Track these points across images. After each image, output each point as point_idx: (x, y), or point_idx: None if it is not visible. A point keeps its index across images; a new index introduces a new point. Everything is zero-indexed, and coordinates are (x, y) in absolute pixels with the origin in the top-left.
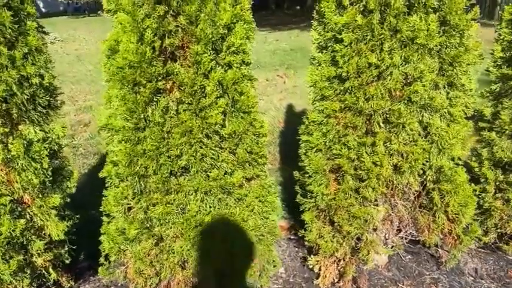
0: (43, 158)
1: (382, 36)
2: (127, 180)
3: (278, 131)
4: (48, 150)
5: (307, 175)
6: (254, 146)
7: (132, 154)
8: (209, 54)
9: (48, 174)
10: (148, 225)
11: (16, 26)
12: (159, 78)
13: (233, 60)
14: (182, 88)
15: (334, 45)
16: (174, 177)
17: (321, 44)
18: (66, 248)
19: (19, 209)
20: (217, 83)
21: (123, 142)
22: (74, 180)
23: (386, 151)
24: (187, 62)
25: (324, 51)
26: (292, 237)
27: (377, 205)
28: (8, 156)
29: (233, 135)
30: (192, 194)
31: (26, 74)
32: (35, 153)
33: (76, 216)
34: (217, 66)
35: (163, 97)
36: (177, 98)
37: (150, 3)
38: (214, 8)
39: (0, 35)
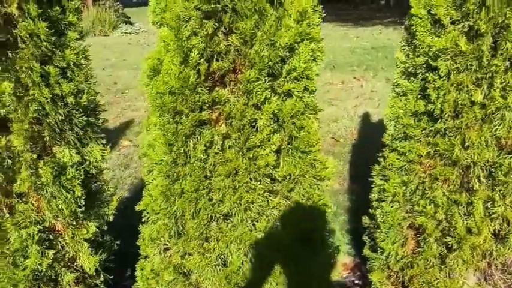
0: (75, 186)
1: (494, 68)
2: (163, 219)
3: (350, 143)
4: (84, 175)
5: (379, 229)
6: (313, 192)
7: (168, 193)
8: (264, 81)
9: (80, 204)
10: (185, 271)
11: (53, 38)
12: (204, 107)
13: (294, 88)
14: (229, 121)
15: (426, 74)
16: (215, 222)
17: (408, 69)
18: (102, 278)
19: (50, 237)
20: (272, 116)
21: (160, 177)
22: (113, 206)
23: (487, 214)
24: (239, 89)
25: (412, 78)
26: (356, 280)
27: (466, 278)
28: (38, 183)
29: (288, 178)
30: (234, 245)
31: (61, 93)
32: (66, 181)
33: (116, 243)
34: (273, 95)
35: (208, 129)
36: (223, 132)
37: (197, 18)
38: (274, 24)
39: (34, 48)
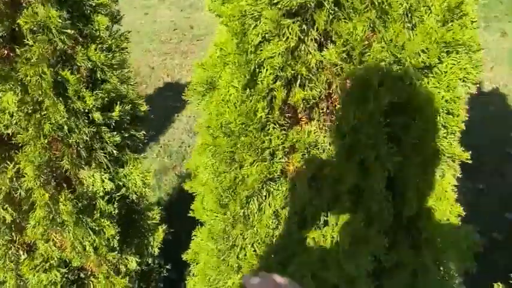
0: (105, 227)
1: None
2: None
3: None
4: (122, 201)
5: None
6: None
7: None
8: (378, 121)
9: (113, 245)
10: None
11: (71, 30)
12: (277, 153)
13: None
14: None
15: None
16: None
17: None
18: None
19: (81, 275)
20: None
21: (209, 241)
22: (159, 237)
23: None
24: (333, 128)
25: None
26: None
27: None
28: (58, 220)
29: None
30: None
31: (83, 108)
32: (93, 222)
33: (165, 267)
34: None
35: (281, 186)
36: None
37: (272, 17)
38: (401, 29)
39: (45, 45)
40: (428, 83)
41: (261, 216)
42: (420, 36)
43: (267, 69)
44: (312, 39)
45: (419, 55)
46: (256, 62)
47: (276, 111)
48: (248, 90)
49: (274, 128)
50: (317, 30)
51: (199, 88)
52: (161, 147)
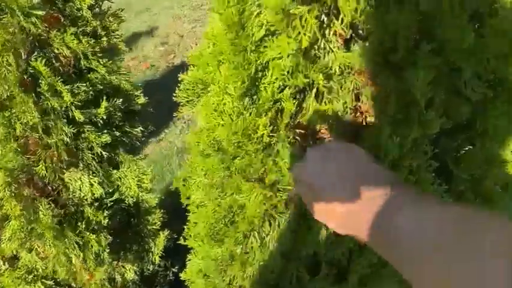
0: (91, 240)
1: None
2: None
3: None
4: (116, 205)
5: None
6: None
7: None
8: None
9: (103, 258)
10: None
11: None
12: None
13: None
14: None
15: None
16: None
17: None
18: None
19: (73, 285)
20: None
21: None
22: (160, 245)
23: None
24: None
25: None
26: None
27: None
28: (38, 231)
29: None
30: None
31: (60, 105)
32: (77, 236)
33: (172, 271)
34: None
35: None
36: None
37: (277, 4)
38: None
39: (15, 30)
40: (497, 98)
41: (263, 253)
42: (493, 39)
43: (272, 74)
44: (333, 32)
45: (488, 62)
46: (258, 63)
47: (282, 130)
48: (247, 99)
49: (279, 150)
50: (342, 23)
51: (189, 87)
52: (185, 122)
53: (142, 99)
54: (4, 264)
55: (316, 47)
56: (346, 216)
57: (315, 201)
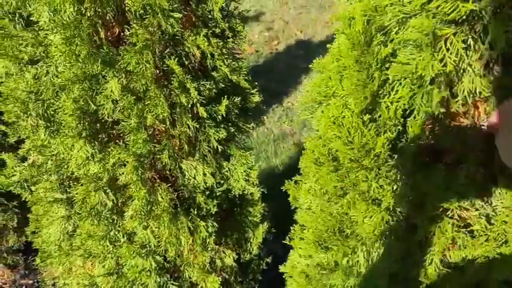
0: (200, 226)
1: None
2: None
3: None
4: (224, 194)
5: None
6: None
7: None
8: None
9: (208, 244)
10: None
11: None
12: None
13: None
14: None
15: None
16: None
17: None
18: None
19: (177, 263)
20: None
21: None
22: (259, 235)
23: None
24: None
25: None
26: None
27: None
28: (156, 212)
29: None
30: None
31: (187, 102)
32: (189, 221)
33: (266, 261)
34: None
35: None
36: None
37: (427, 26)
38: None
39: (151, 30)
40: None
41: (369, 269)
42: None
43: (397, 91)
44: (477, 59)
45: None
46: (383, 80)
47: (404, 156)
48: (367, 115)
49: (399, 175)
50: (490, 47)
51: (314, 94)
52: (283, 110)
53: (257, 98)
54: (123, 237)
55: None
56: None
57: None
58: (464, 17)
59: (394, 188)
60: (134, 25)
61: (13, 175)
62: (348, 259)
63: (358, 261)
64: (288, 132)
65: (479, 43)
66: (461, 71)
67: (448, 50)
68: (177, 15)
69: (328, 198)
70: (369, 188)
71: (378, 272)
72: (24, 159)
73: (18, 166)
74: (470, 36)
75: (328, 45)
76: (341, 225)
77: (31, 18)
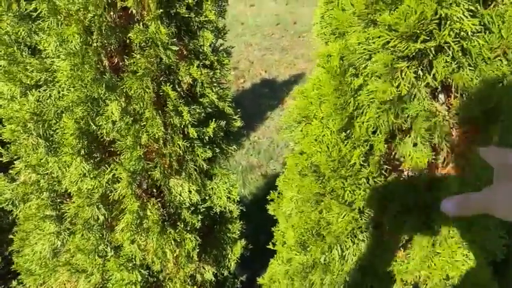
0: (186, 239)
1: None
2: None
3: None
4: (206, 211)
5: None
6: None
7: None
8: None
9: (192, 257)
10: None
11: (181, 43)
12: (371, 205)
13: None
14: None
15: None
16: None
17: None
18: None
19: (160, 278)
20: None
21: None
22: (237, 252)
23: None
24: None
25: None
26: None
27: None
28: (145, 226)
29: None
30: None
31: (180, 123)
32: (175, 234)
33: (240, 279)
34: None
35: (370, 236)
36: None
37: (387, 60)
38: None
39: (151, 60)
40: None
41: (343, 265)
42: None
43: (366, 113)
44: (425, 86)
45: None
46: (356, 105)
47: (371, 166)
48: (343, 133)
49: (368, 181)
50: (433, 77)
51: (295, 116)
52: (251, 144)
53: (239, 123)
54: (110, 251)
55: (410, 95)
56: None
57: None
58: (414, 54)
59: (363, 193)
60: (136, 55)
61: (4, 193)
62: (325, 257)
63: (333, 258)
64: (255, 164)
65: (426, 74)
66: (413, 95)
67: (403, 79)
68: (174, 47)
69: (309, 204)
70: (344, 193)
71: (350, 267)
72: (13, 179)
73: (10, 184)
74: (419, 69)
75: (295, 86)
76: (318, 228)
77: (39, 47)
